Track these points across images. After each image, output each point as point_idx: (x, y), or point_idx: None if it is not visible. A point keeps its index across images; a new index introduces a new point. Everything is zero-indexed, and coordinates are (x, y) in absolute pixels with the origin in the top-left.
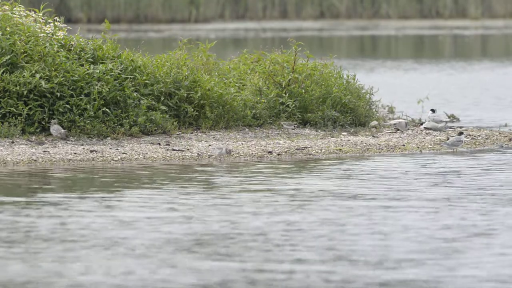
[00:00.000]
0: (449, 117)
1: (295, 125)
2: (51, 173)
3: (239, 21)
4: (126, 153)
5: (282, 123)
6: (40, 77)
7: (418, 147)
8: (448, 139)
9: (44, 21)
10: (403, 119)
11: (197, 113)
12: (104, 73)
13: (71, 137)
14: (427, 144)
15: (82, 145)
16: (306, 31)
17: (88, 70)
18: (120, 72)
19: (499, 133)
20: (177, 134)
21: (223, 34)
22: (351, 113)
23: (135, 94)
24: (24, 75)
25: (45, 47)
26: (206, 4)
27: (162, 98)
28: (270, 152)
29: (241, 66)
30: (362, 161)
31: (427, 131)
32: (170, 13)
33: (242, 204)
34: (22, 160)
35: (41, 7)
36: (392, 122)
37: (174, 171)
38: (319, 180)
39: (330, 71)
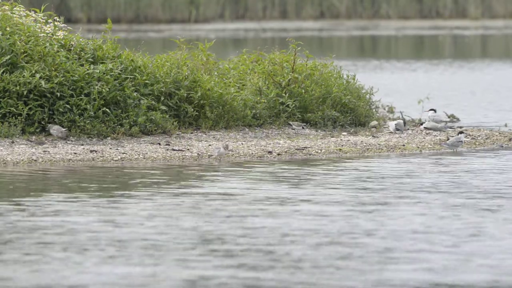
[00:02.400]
0: (449, 117)
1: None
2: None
3: (239, 21)
4: (126, 153)
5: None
6: (40, 77)
7: (418, 147)
8: (448, 139)
9: (44, 21)
10: (402, 119)
11: (197, 113)
12: (104, 73)
13: (71, 137)
14: (427, 144)
15: (82, 145)
16: (306, 31)
17: (88, 70)
18: (120, 72)
19: (499, 133)
20: (177, 134)
21: (223, 34)
22: (351, 113)
23: (135, 94)
24: (24, 75)
25: (45, 47)
26: (206, 4)
27: (162, 98)
28: (270, 152)
29: (240, 66)
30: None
31: (427, 131)
32: (170, 13)
33: (176, 209)
34: (22, 160)
35: (42, 8)
36: (386, 126)
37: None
38: (253, 184)
39: (330, 71)
